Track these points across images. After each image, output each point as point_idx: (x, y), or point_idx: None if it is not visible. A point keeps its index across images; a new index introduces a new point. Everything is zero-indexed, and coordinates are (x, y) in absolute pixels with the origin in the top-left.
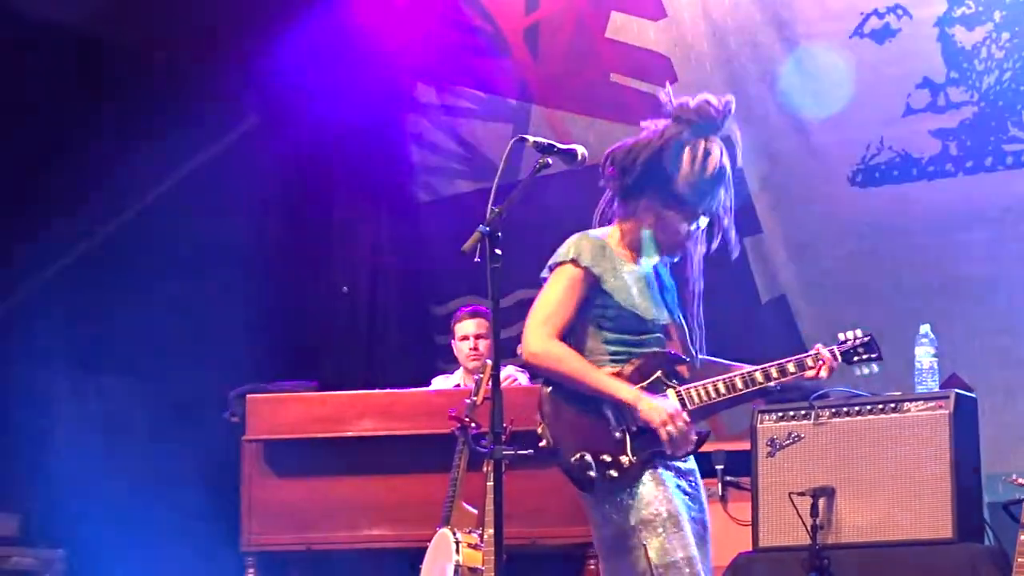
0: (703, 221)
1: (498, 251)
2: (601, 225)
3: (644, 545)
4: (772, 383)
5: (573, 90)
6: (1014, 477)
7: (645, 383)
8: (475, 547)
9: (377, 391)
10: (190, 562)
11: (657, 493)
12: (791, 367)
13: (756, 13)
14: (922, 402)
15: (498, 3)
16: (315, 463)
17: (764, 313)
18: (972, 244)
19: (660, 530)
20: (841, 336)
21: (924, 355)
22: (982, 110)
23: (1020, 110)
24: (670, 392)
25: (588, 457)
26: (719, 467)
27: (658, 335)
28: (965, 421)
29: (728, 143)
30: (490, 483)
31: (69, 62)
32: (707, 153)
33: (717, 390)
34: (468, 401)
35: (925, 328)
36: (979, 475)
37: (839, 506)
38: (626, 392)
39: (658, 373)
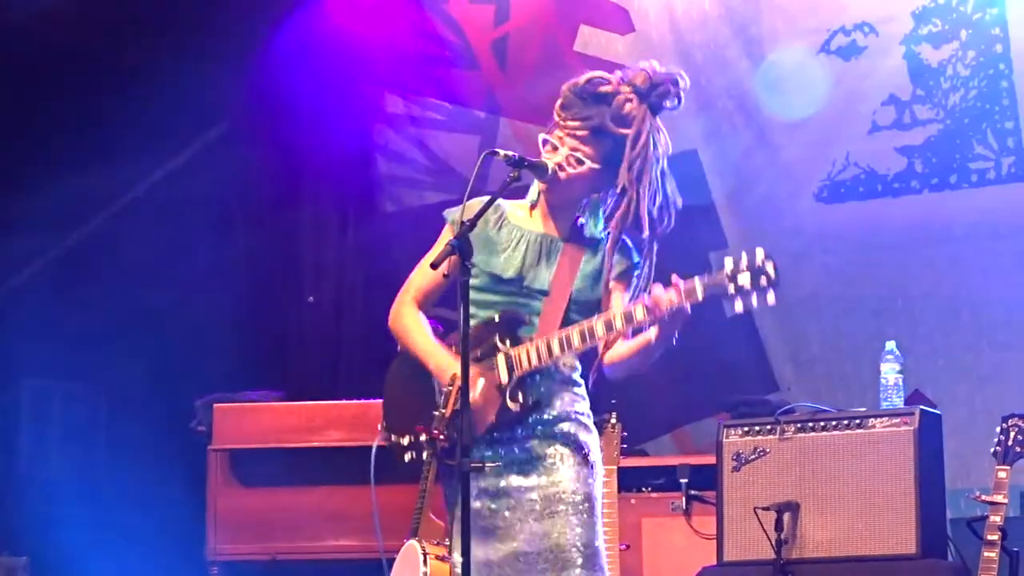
0: (559, 150)
1: (468, 265)
2: None
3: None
4: (614, 333)
5: (541, 103)
6: (977, 494)
7: (479, 350)
8: (443, 559)
9: (343, 401)
10: (154, 571)
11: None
12: (638, 312)
13: (724, 29)
14: (887, 418)
15: (467, 15)
16: (281, 473)
17: (729, 327)
18: (937, 261)
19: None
20: (728, 264)
21: (889, 371)
22: (948, 128)
23: (985, 128)
24: (499, 357)
25: (402, 439)
26: (684, 481)
27: (529, 301)
28: (930, 438)
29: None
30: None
31: (32, 65)
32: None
33: (550, 349)
34: (436, 413)
35: (890, 345)
36: (943, 491)
37: (804, 521)
38: (433, 360)
39: (494, 337)
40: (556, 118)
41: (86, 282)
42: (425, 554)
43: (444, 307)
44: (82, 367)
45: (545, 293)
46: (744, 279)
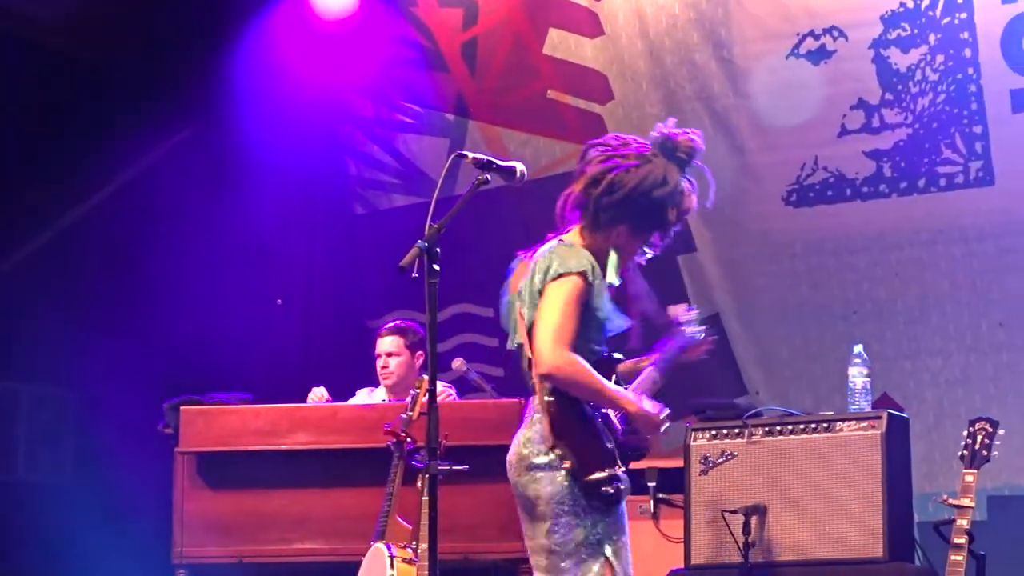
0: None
1: (436, 267)
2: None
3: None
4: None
5: (510, 106)
6: (944, 497)
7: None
8: (409, 562)
9: (310, 404)
10: (121, 574)
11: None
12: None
13: (693, 32)
14: (854, 422)
15: (436, 18)
16: (248, 476)
17: None
18: (905, 265)
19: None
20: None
21: (857, 375)
22: (916, 132)
23: (954, 133)
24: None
25: (604, 473)
26: (651, 484)
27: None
28: (897, 441)
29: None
30: (425, 498)
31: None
32: (685, 193)
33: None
34: (403, 416)
35: (858, 348)
36: (910, 495)
37: (771, 524)
38: (629, 403)
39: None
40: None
41: (53, 285)
42: (392, 557)
43: (411, 310)
44: (50, 369)
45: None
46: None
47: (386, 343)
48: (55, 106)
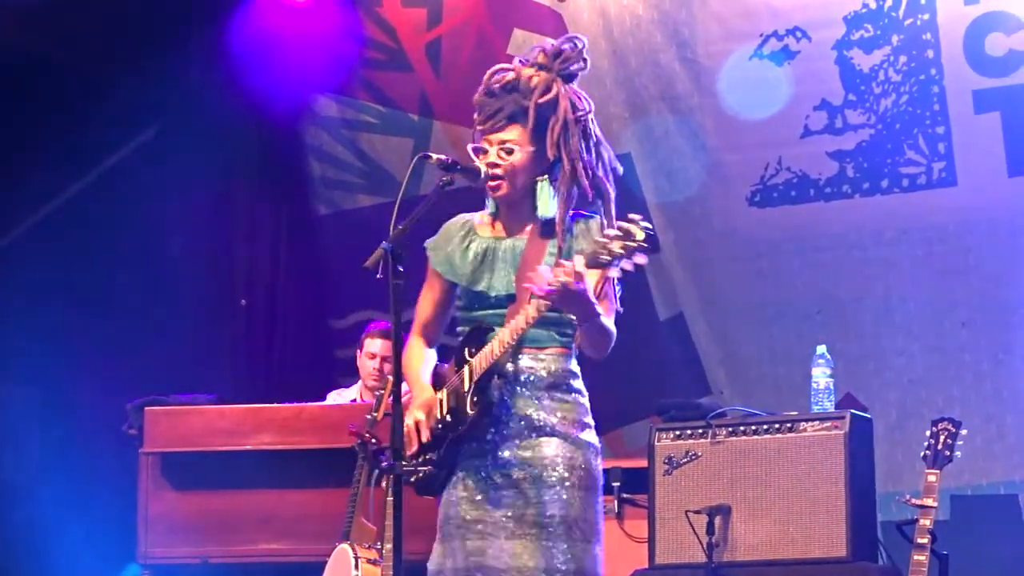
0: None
1: (401, 268)
2: None
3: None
4: (530, 322)
5: (475, 106)
6: (908, 497)
7: (456, 367)
8: (374, 563)
9: (276, 405)
10: (87, 574)
11: (447, 496)
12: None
13: (657, 33)
14: (818, 422)
15: (400, 18)
16: (213, 476)
17: (662, 330)
18: (868, 265)
19: (439, 535)
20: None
21: (820, 375)
22: (879, 132)
23: (916, 133)
24: (464, 369)
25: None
26: (616, 484)
27: (499, 310)
28: (860, 441)
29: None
30: (389, 498)
31: None
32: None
33: (492, 350)
34: (368, 416)
35: (821, 348)
36: (873, 495)
37: (735, 524)
38: (413, 390)
39: (464, 352)
40: (477, 127)
41: (17, 284)
42: (356, 557)
43: (376, 310)
44: (16, 369)
45: (511, 297)
46: (617, 246)
47: (380, 346)
48: (15, 104)
